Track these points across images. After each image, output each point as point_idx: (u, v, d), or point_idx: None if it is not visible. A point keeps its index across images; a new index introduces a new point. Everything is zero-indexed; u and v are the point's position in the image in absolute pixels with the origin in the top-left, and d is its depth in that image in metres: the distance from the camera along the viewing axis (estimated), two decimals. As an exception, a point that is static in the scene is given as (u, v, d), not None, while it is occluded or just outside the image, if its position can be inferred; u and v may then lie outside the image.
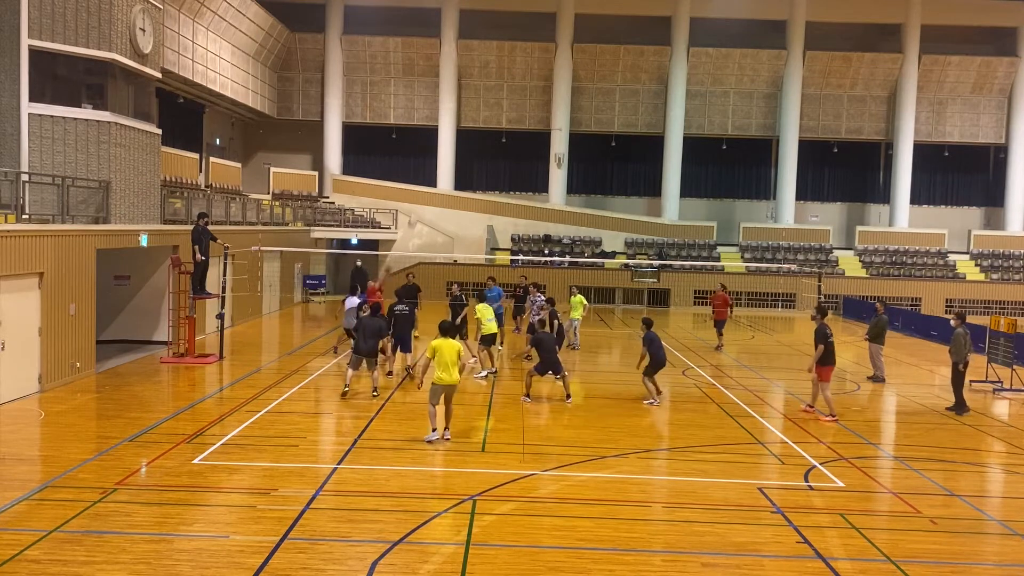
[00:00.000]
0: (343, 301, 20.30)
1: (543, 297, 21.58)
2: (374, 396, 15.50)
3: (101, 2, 18.45)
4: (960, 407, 15.96)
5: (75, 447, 11.69)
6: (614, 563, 8.19)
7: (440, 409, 12.72)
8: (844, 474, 11.43)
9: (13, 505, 9.30)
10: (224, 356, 19.62)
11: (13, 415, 13.61)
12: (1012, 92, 42.60)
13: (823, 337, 14.81)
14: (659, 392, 16.03)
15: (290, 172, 40.32)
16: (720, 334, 24.24)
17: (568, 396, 15.83)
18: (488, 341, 18.36)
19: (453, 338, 12.73)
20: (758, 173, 44.69)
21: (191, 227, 19.76)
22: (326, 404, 15.55)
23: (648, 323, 16.40)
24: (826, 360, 14.89)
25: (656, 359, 15.86)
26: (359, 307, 18.48)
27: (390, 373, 18.03)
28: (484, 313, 18.24)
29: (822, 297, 20.89)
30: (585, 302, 22.57)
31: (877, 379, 19.09)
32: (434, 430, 12.58)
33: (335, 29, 41.86)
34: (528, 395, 15.87)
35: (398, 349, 18.10)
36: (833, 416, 14.81)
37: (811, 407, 15.37)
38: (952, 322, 17.04)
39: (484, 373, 18.28)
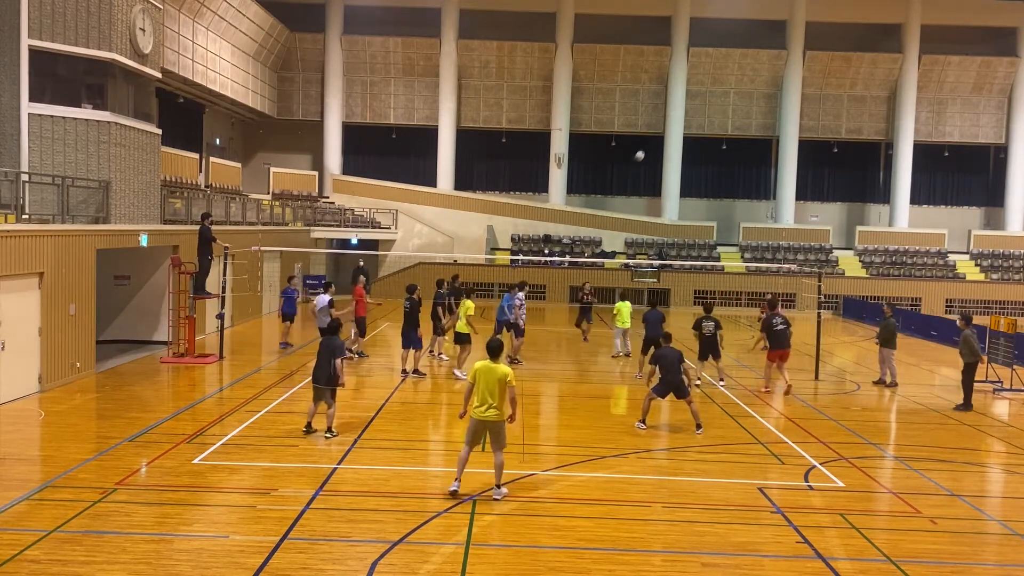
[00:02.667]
0: (314, 301, 19.81)
1: (522, 296, 20.59)
2: (326, 438, 12.51)
3: (101, 2, 18.44)
4: (967, 406, 16.12)
5: (75, 447, 11.68)
6: (614, 563, 8.18)
7: (487, 456, 10.28)
8: (844, 474, 11.42)
9: (13, 505, 9.29)
10: (224, 356, 19.62)
11: (13, 415, 13.60)
12: (1012, 92, 42.61)
13: (767, 327, 17.41)
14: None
15: (290, 172, 40.32)
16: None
17: (699, 426, 13.50)
18: (462, 339, 17.64)
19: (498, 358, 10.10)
20: (758, 173, 44.69)
21: (199, 227, 19.69)
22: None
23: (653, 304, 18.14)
24: (774, 345, 17.35)
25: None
26: (329, 305, 18.05)
27: (406, 372, 17.72)
28: (463, 310, 17.67)
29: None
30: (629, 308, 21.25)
31: (887, 383, 18.52)
32: (456, 480, 10.00)
33: (335, 29, 41.87)
34: (643, 421, 13.67)
35: (409, 347, 17.57)
36: (767, 389, 17.40)
37: (768, 389, 17.38)
38: (958, 323, 17.06)
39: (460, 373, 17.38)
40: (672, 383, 13.45)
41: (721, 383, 17.90)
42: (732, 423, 14.50)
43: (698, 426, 13.53)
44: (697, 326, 17.76)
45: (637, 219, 41.86)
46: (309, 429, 12.71)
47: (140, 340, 21.06)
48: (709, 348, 17.56)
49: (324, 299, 18.84)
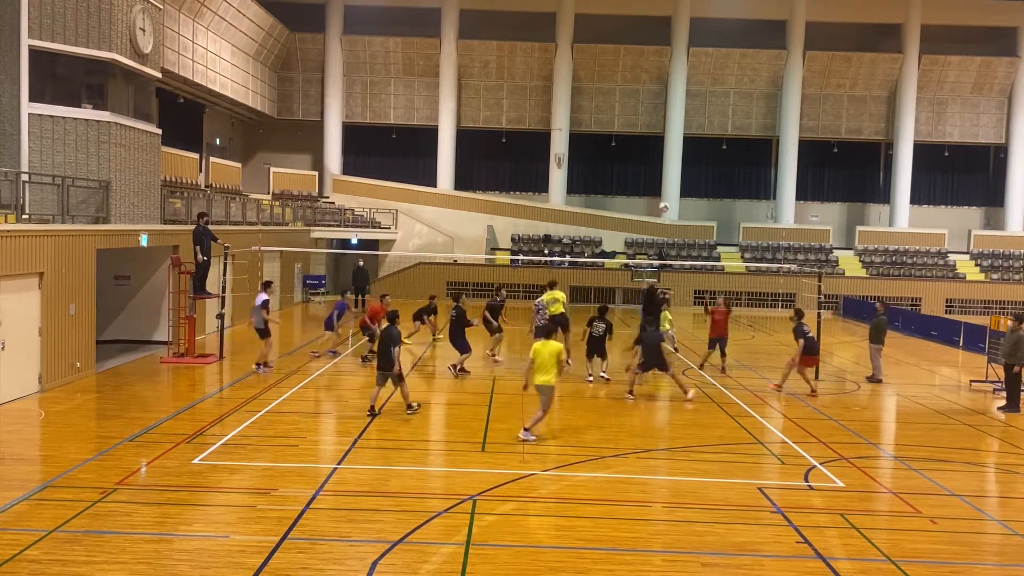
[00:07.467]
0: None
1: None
2: (408, 414, 14.09)
3: (101, 2, 18.44)
4: (1014, 406, 16.14)
5: (75, 447, 11.68)
6: (614, 563, 8.18)
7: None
8: (844, 474, 11.43)
9: (13, 505, 9.29)
10: (224, 356, 19.62)
11: (13, 415, 13.60)
12: (1012, 92, 42.60)
13: (800, 334, 17.20)
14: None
15: (290, 172, 40.33)
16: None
17: (686, 392, 16.15)
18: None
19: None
20: (758, 173, 44.69)
21: (192, 227, 19.77)
22: (326, 404, 15.56)
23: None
24: (805, 350, 17.13)
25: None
26: (263, 305, 17.87)
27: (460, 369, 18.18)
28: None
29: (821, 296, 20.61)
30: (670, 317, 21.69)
31: (873, 379, 19.10)
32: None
33: (335, 29, 41.87)
34: (631, 392, 16.22)
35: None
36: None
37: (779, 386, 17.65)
38: (1010, 324, 16.76)
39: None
40: (655, 361, 16.00)
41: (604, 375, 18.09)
42: (732, 423, 14.51)
43: (686, 392, 16.14)
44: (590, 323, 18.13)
45: (637, 219, 41.85)
46: (373, 412, 13.93)
47: (140, 340, 21.07)
48: (595, 348, 17.80)
49: (260, 298, 18.24)
